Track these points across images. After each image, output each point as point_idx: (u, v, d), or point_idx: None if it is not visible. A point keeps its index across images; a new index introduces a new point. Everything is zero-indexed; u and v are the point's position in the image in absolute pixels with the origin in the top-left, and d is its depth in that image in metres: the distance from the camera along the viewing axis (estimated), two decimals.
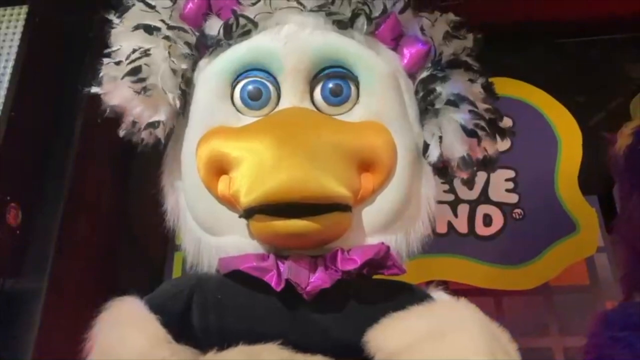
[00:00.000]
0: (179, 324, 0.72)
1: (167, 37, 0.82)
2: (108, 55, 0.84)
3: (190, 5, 0.85)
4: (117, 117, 0.82)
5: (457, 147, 0.82)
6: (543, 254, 1.56)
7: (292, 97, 0.81)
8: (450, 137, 0.82)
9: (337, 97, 0.81)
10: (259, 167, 0.72)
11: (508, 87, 1.68)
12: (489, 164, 0.85)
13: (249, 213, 0.73)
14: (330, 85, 0.81)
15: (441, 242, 1.55)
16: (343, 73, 0.82)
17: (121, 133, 0.82)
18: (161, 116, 0.81)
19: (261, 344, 0.66)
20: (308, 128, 0.76)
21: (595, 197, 1.64)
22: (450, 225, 1.61)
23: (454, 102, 0.82)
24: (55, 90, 1.43)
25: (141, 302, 0.73)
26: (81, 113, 1.44)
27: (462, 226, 1.61)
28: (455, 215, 1.62)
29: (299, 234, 0.71)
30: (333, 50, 0.82)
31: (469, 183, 0.86)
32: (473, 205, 1.63)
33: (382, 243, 0.76)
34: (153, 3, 0.85)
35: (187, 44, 0.84)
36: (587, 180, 1.62)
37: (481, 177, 1.64)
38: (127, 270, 1.63)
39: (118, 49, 0.83)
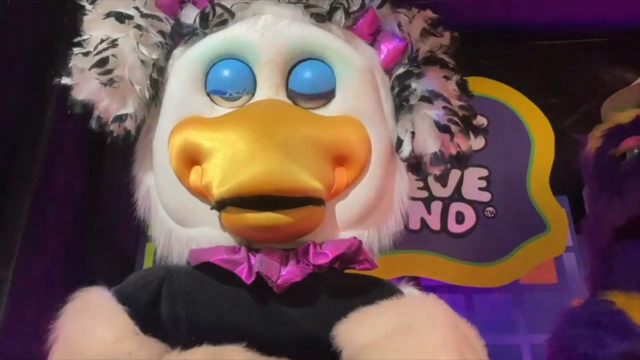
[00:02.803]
0: (147, 315, 0.70)
1: (138, 26, 0.81)
2: (78, 44, 0.82)
3: None
4: (86, 110, 0.81)
5: (429, 143, 0.82)
6: (513, 252, 1.58)
7: (267, 89, 0.80)
8: (423, 133, 0.82)
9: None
10: (233, 159, 0.71)
11: (484, 86, 1.69)
12: (461, 161, 0.86)
13: (220, 205, 0.72)
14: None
15: (414, 238, 1.57)
16: (320, 66, 0.82)
17: (92, 125, 0.81)
18: (129, 109, 0.80)
19: (230, 336, 0.65)
20: (283, 121, 0.75)
21: (566, 197, 1.67)
22: (423, 221, 1.62)
23: (428, 98, 0.83)
24: (26, 78, 1.40)
25: (109, 293, 0.72)
26: (53, 101, 1.41)
27: (435, 223, 1.62)
28: (429, 212, 1.63)
29: (271, 226, 0.71)
30: (310, 43, 0.81)
31: (442, 180, 0.87)
32: (446, 202, 1.64)
33: (355, 238, 0.76)
34: None
35: (161, 32, 0.83)
36: (558, 180, 1.65)
37: (455, 175, 1.66)
38: (98, 261, 1.61)
39: (88, 38, 0.82)
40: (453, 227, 1.62)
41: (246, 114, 0.77)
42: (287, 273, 0.71)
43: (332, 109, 0.80)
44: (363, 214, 0.79)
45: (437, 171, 0.85)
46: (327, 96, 0.81)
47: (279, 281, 0.70)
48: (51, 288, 1.33)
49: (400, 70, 0.85)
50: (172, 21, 0.84)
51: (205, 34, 0.83)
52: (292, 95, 0.81)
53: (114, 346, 0.64)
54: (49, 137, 1.39)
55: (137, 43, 0.80)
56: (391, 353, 0.63)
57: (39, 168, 1.37)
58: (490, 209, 1.64)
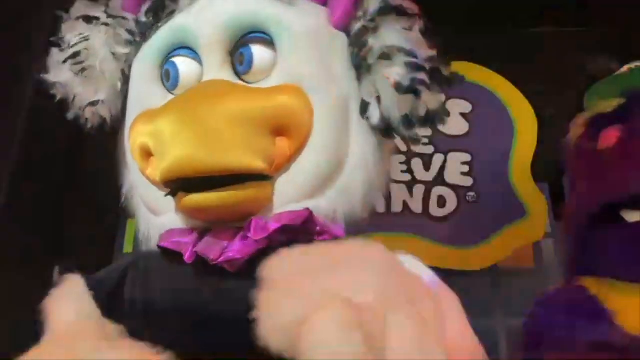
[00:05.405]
0: (111, 299, 0.73)
1: (106, 24, 0.84)
2: (55, 44, 0.85)
3: None
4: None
5: (395, 107, 0.76)
6: (493, 237, 1.60)
7: (212, 70, 0.78)
8: (388, 96, 0.76)
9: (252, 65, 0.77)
10: (162, 145, 0.71)
11: (469, 72, 1.70)
12: (433, 120, 0.78)
13: (173, 191, 0.73)
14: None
15: (396, 221, 1.58)
16: (261, 38, 0.78)
17: (70, 115, 0.84)
18: (100, 96, 0.82)
19: (183, 318, 0.67)
20: (208, 99, 0.73)
21: (546, 184, 1.69)
22: (405, 204, 1.63)
23: (387, 55, 0.76)
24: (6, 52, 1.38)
25: (81, 279, 0.74)
26: (34, 75, 1.39)
27: (416, 206, 1.63)
28: (411, 195, 1.64)
29: (207, 207, 0.71)
30: (247, 16, 0.78)
31: (416, 141, 0.81)
32: (429, 186, 1.66)
33: (306, 209, 0.72)
34: None
35: (129, 31, 0.85)
36: (539, 167, 1.67)
37: (438, 159, 1.68)
38: (78, 238, 1.60)
39: (62, 37, 0.85)
40: (435, 210, 1.64)
41: (178, 99, 0.76)
42: (231, 251, 0.70)
43: (273, 80, 0.76)
44: (317, 182, 0.75)
45: (409, 134, 0.78)
46: (268, 67, 0.77)
47: (220, 259, 0.69)
48: (30, 262, 1.33)
49: (356, 26, 0.79)
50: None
51: (158, 28, 0.83)
52: (237, 71, 0.78)
53: (71, 328, 0.68)
54: (28, 109, 1.37)
55: (107, 37, 0.83)
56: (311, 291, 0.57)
57: (19, 143, 1.35)
58: (471, 193, 1.65)
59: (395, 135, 0.79)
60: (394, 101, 0.75)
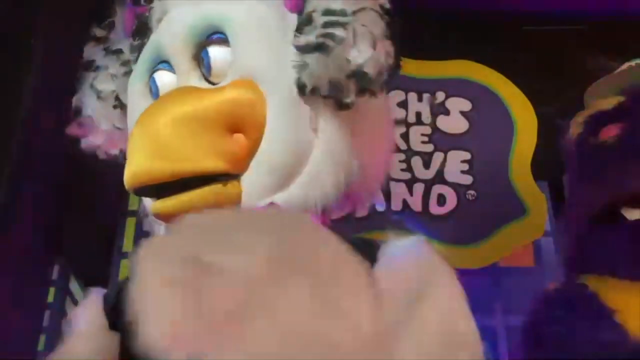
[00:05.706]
0: (114, 310, 0.75)
1: (97, 67, 0.88)
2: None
3: (127, 22, 0.89)
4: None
5: (320, 72, 0.72)
6: (493, 235, 1.60)
7: (183, 79, 0.79)
8: (311, 62, 0.72)
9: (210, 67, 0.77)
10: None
11: (470, 70, 1.70)
12: (364, 76, 0.72)
13: (154, 201, 0.75)
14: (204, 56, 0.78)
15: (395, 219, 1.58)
16: (219, 39, 0.77)
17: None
18: (99, 139, 0.88)
19: None
20: (159, 107, 0.74)
21: (546, 183, 1.69)
22: (405, 203, 1.63)
23: (309, 20, 0.73)
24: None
25: (99, 292, 0.78)
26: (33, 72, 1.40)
27: (416, 204, 1.64)
28: (411, 193, 1.64)
29: (167, 213, 0.72)
30: (200, 20, 0.78)
31: (347, 106, 0.74)
32: (428, 184, 1.66)
33: (270, 203, 0.72)
34: (99, 34, 0.90)
35: (126, 62, 0.88)
36: (539, 166, 1.67)
37: (438, 157, 1.68)
38: (78, 238, 1.61)
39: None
40: (434, 209, 1.64)
41: (141, 113, 0.77)
42: None
43: (230, 77, 0.76)
44: (281, 173, 0.74)
45: (348, 99, 0.73)
46: (227, 66, 0.77)
47: None
48: (30, 262, 1.33)
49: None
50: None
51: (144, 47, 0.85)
52: (204, 75, 0.78)
53: (76, 339, 0.72)
54: (28, 109, 1.37)
55: (92, 81, 0.88)
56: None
57: (18, 144, 1.35)
58: (471, 192, 1.65)
59: (349, 104, 0.74)
60: (316, 64, 0.72)
